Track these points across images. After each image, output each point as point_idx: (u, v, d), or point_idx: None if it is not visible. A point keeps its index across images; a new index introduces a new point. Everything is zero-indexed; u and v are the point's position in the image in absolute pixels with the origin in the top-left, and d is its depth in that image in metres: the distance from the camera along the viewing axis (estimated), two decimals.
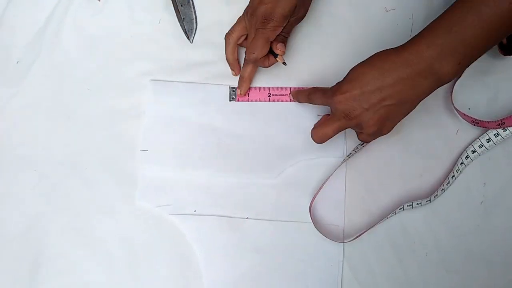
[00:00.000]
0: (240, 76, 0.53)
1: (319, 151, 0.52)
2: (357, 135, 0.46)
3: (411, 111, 0.43)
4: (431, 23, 0.41)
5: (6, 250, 0.53)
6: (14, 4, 0.56)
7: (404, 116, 0.44)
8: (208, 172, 0.53)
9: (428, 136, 0.53)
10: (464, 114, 0.52)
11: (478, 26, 0.38)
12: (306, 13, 0.49)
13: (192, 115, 0.54)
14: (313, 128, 0.47)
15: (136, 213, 0.53)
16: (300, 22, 0.50)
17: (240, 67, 0.53)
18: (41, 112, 0.55)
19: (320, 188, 0.52)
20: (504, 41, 0.49)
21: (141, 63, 0.55)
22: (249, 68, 0.52)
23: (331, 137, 0.46)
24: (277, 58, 0.49)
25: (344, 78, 0.44)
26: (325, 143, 0.47)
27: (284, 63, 0.50)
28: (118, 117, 0.55)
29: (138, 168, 0.53)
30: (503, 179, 0.53)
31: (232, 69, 0.53)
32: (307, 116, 0.53)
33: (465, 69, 0.41)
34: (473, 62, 0.41)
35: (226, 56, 0.52)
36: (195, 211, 0.53)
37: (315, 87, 0.49)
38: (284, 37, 0.49)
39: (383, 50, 0.42)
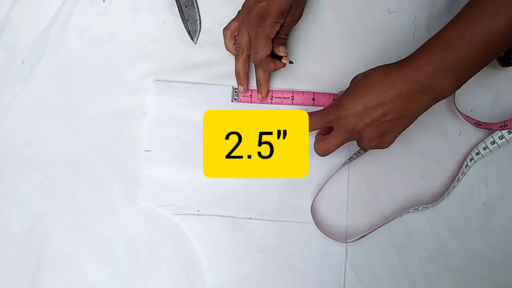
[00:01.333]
0: (257, 80, 0.53)
1: None
2: (357, 142, 0.47)
3: (410, 125, 0.45)
4: (430, 39, 0.42)
5: (10, 249, 0.53)
6: (19, 5, 0.57)
7: (403, 130, 0.45)
8: None
9: (430, 137, 0.53)
10: (467, 116, 0.52)
11: (474, 44, 0.39)
12: (301, 15, 0.50)
13: (195, 115, 0.54)
14: (316, 143, 0.48)
15: (139, 213, 0.53)
16: (296, 23, 0.51)
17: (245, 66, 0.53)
18: (45, 112, 0.55)
19: (320, 190, 0.52)
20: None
21: (145, 63, 0.56)
22: (261, 72, 0.52)
23: (334, 150, 0.47)
24: (283, 60, 0.50)
25: (345, 92, 0.44)
26: None
27: (291, 62, 0.51)
28: (122, 117, 0.55)
29: (141, 168, 0.53)
30: (506, 181, 0.52)
31: (232, 53, 0.53)
32: None
33: (462, 84, 0.42)
34: (471, 77, 0.42)
35: (225, 46, 0.53)
36: (198, 211, 0.53)
37: (309, 113, 0.47)
38: (283, 39, 0.50)
39: (384, 65, 0.43)
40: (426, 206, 0.51)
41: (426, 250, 0.52)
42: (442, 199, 0.51)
